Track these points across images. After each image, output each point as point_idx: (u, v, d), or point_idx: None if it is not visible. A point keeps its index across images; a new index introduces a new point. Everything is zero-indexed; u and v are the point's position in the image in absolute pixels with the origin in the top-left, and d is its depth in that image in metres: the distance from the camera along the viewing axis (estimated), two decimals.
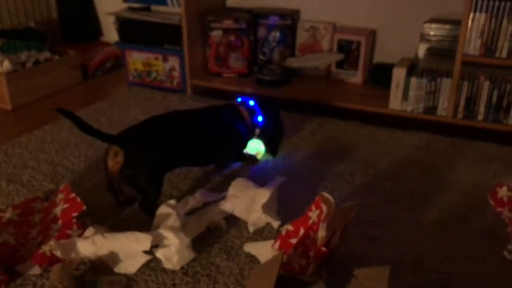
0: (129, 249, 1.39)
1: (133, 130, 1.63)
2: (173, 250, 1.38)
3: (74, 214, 1.52)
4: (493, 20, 2.01)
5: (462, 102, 2.17)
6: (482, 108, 2.14)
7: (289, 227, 1.34)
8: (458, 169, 1.93)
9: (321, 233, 1.23)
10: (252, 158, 1.96)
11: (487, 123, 2.16)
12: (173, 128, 1.69)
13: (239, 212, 1.56)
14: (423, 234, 1.55)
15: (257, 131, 1.88)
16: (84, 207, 1.53)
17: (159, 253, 1.39)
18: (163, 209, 1.53)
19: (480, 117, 2.16)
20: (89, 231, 1.48)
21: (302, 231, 1.30)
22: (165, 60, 2.77)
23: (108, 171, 1.59)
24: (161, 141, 1.62)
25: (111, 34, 3.21)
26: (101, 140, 1.58)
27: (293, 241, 1.31)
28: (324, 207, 1.27)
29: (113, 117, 2.44)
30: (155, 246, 1.42)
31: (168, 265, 1.39)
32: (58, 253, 1.35)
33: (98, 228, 1.49)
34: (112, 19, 2.88)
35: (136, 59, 2.84)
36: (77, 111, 2.48)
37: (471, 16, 2.03)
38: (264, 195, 1.52)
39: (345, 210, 1.32)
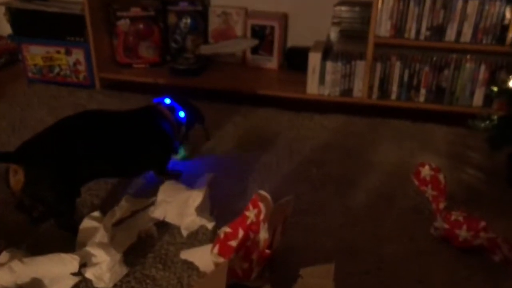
0: (54, 273, 1.27)
1: (33, 142, 1.42)
2: (104, 268, 1.28)
3: None
4: (401, 2, 2.08)
5: (376, 83, 2.24)
6: (395, 88, 2.23)
7: (227, 229, 1.29)
8: (377, 149, 1.99)
9: (263, 234, 1.20)
10: (175, 174, 1.79)
11: (400, 101, 2.26)
12: (82, 135, 1.48)
13: (171, 218, 1.48)
14: (353, 218, 1.59)
15: (183, 128, 1.76)
16: None
17: (89, 273, 1.29)
18: (87, 223, 1.41)
19: (394, 96, 2.25)
20: (4, 256, 1.33)
21: (241, 232, 1.27)
22: (68, 53, 2.56)
23: (11, 190, 1.41)
24: (66, 152, 1.42)
25: (3, 26, 2.89)
26: None
27: (233, 243, 1.27)
28: (262, 206, 1.24)
29: (15, 120, 2.22)
30: (83, 265, 1.31)
31: (99, 285, 1.29)
32: None
33: (14, 253, 1.34)
34: (2, 9, 2.59)
35: (35, 53, 2.59)
36: None
37: None
38: (196, 197, 1.46)
39: (281, 206, 1.30)
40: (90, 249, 1.30)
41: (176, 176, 1.75)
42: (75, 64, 2.57)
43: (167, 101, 1.76)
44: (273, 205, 1.26)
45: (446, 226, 1.45)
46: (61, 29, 2.51)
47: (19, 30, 2.58)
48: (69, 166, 1.41)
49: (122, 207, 1.48)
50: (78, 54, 2.55)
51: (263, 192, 1.27)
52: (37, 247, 1.42)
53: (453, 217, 1.44)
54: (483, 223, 1.40)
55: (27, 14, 2.52)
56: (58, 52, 2.57)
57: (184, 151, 1.88)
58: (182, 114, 1.76)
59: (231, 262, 1.20)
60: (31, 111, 2.30)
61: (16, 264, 1.26)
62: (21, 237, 1.47)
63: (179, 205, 1.47)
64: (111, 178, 1.72)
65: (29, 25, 2.55)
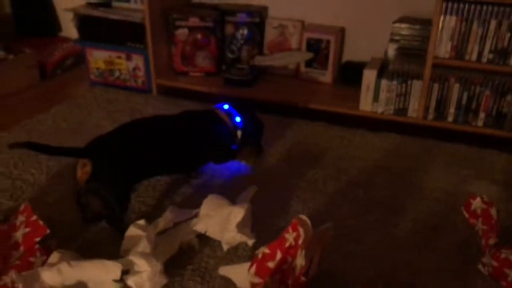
0: (98, 278, 1.31)
1: (102, 140, 1.56)
2: (145, 278, 1.32)
3: (37, 239, 1.42)
4: (463, 23, 2.00)
5: (433, 103, 2.17)
6: (452, 110, 2.15)
7: (265, 250, 1.29)
8: (429, 174, 1.93)
9: (300, 261, 1.20)
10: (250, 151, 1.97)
11: (456, 124, 2.17)
12: (145, 137, 1.62)
13: (212, 232, 1.50)
14: (397, 247, 1.54)
15: (239, 132, 1.87)
16: (48, 231, 1.44)
17: (130, 281, 1.33)
18: (132, 231, 1.46)
19: (450, 118, 2.17)
20: (54, 257, 1.40)
21: (279, 254, 1.26)
22: (128, 58, 2.65)
23: (76, 181, 1.52)
24: (131, 152, 1.55)
25: (70, 29, 3.04)
26: (70, 156, 1.52)
27: (270, 264, 1.27)
28: (301, 231, 1.23)
29: (74, 122, 2.32)
30: (125, 272, 1.35)
31: None
32: (20, 287, 1.27)
33: (64, 254, 1.40)
34: (70, 15, 2.72)
35: (98, 57, 2.71)
36: (36, 116, 2.36)
37: (441, 19, 2.01)
38: (238, 213, 1.47)
39: (321, 232, 1.28)
40: (132, 258, 1.34)
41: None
42: (134, 69, 2.67)
43: (226, 106, 1.88)
44: (313, 231, 1.25)
45: (495, 263, 1.38)
46: (122, 35, 2.62)
47: (85, 35, 2.71)
48: (131, 165, 1.54)
49: (166, 218, 1.51)
50: (137, 60, 2.64)
51: (303, 217, 1.26)
52: (86, 248, 1.49)
53: (503, 255, 1.37)
54: None
55: (93, 20, 2.64)
56: (119, 57, 2.67)
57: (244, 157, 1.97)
58: (238, 119, 1.86)
59: (266, 283, 1.20)
60: (89, 114, 2.40)
61: (64, 266, 1.32)
62: (72, 237, 1.55)
63: (221, 220, 1.49)
64: (165, 175, 1.85)
65: (93, 31, 2.67)
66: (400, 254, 1.51)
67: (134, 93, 2.63)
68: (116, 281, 1.32)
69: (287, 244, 1.26)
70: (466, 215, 1.52)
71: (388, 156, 2.06)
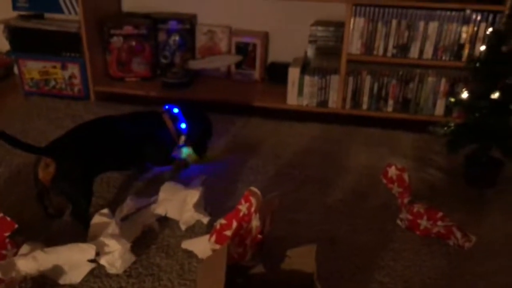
0: (73, 260, 1.44)
1: (61, 140, 1.68)
2: (116, 256, 1.47)
3: (6, 234, 1.52)
4: (370, 24, 2.34)
5: (349, 94, 2.48)
6: (366, 99, 2.48)
7: (223, 221, 1.49)
8: (351, 154, 2.23)
9: (255, 223, 1.41)
10: (182, 162, 2.07)
11: (370, 111, 2.51)
12: (98, 135, 1.77)
13: (171, 213, 1.68)
14: (332, 213, 1.81)
15: (182, 137, 1.98)
16: (16, 226, 1.53)
17: (103, 260, 1.47)
18: (97, 219, 1.60)
19: (365, 106, 2.50)
20: (24, 248, 1.50)
21: (235, 223, 1.47)
22: (63, 67, 2.73)
23: (39, 182, 1.62)
24: (89, 149, 1.69)
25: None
26: (32, 153, 1.61)
27: (228, 233, 1.47)
28: (253, 200, 1.45)
29: (17, 131, 2.35)
30: (97, 254, 1.49)
31: (112, 270, 1.48)
32: None
33: (34, 245, 1.51)
34: (1, 27, 2.75)
35: (32, 68, 2.76)
36: None
37: (352, 20, 2.33)
38: (194, 195, 1.66)
39: (270, 200, 1.51)
40: (103, 239, 1.48)
41: (183, 165, 2.05)
42: (70, 77, 2.75)
43: (175, 110, 1.99)
44: (263, 199, 1.47)
45: (410, 217, 1.68)
46: (57, 45, 2.69)
47: (17, 47, 2.74)
48: (91, 161, 1.66)
49: (128, 205, 1.67)
50: (73, 69, 2.73)
51: (253, 188, 1.48)
52: (52, 241, 1.58)
53: (415, 209, 1.67)
54: (440, 213, 1.63)
55: (25, 32, 2.69)
56: (54, 67, 2.74)
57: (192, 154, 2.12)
58: (183, 125, 1.98)
59: (228, 247, 1.40)
60: (31, 123, 2.46)
61: (38, 253, 1.43)
62: (36, 232, 1.65)
63: (179, 202, 1.67)
64: (118, 171, 1.97)
65: (27, 42, 2.72)
66: (333, 217, 1.78)
67: (72, 101, 2.71)
68: (90, 261, 1.45)
69: (241, 214, 1.47)
70: (384, 181, 1.81)
71: (316, 141, 2.34)
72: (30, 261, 1.42)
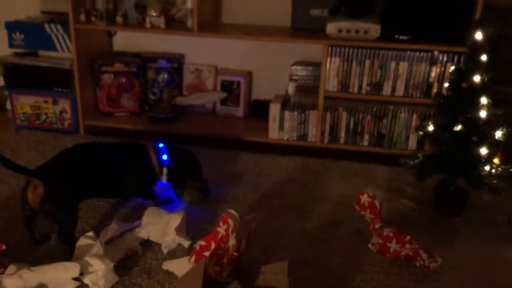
0: (58, 278, 1.51)
1: (50, 164, 1.78)
2: (100, 275, 1.54)
3: None
4: (346, 63, 2.50)
5: (327, 129, 2.62)
6: (342, 133, 2.62)
7: (202, 243, 1.58)
8: (328, 184, 2.34)
9: (232, 241, 1.50)
10: (165, 200, 2.10)
11: (347, 145, 2.64)
12: (84, 160, 1.87)
13: (154, 237, 1.76)
14: (307, 238, 1.90)
15: (165, 170, 2.04)
16: (4, 247, 1.61)
17: (87, 279, 1.54)
18: (83, 241, 1.67)
19: (342, 140, 2.64)
20: (11, 269, 1.57)
21: (213, 244, 1.56)
22: (55, 102, 2.85)
23: (27, 206, 1.70)
24: (76, 173, 1.79)
25: None
26: (23, 174, 1.72)
27: (207, 253, 1.55)
28: (230, 222, 1.54)
29: None
30: (81, 274, 1.56)
31: None
32: None
33: (20, 265, 1.58)
34: None
35: (24, 102, 2.88)
36: None
37: (328, 60, 2.50)
38: (176, 219, 1.75)
39: (247, 222, 1.60)
40: (88, 259, 1.56)
41: (166, 202, 2.08)
42: (61, 112, 2.87)
43: (160, 145, 2.07)
44: (240, 221, 1.56)
45: (380, 241, 1.78)
46: (50, 81, 2.82)
47: (11, 82, 2.87)
48: (77, 185, 1.75)
49: (112, 228, 1.75)
50: (64, 104, 2.85)
51: (231, 211, 1.58)
52: (38, 263, 1.65)
53: (385, 233, 1.78)
54: (408, 237, 1.74)
55: (20, 68, 2.83)
56: (46, 101, 2.86)
57: (186, 196, 2.12)
58: (165, 157, 2.05)
59: (206, 266, 1.49)
60: (20, 154, 2.56)
61: (24, 272, 1.50)
62: (22, 255, 1.72)
63: (161, 226, 1.76)
64: (104, 197, 2.04)
65: (20, 78, 2.85)
66: (310, 243, 1.87)
67: (62, 134, 2.81)
68: (74, 279, 1.52)
69: (220, 236, 1.56)
70: (357, 208, 1.92)
71: (295, 173, 2.45)
72: (16, 280, 1.49)
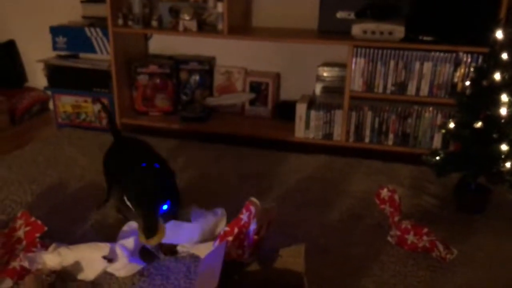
0: (90, 256, 1.63)
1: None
2: (120, 265, 1.64)
3: (37, 235, 1.74)
4: (371, 64, 2.57)
5: (352, 128, 2.68)
6: (367, 133, 2.68)
7: (226, 228, 1.68)
8: (351, 181, 2.40)
9: (253, 226, 1.59)
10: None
11: (372, 144, 2.69)
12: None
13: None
14: (328, 230, 1.97)
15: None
16: (46, 228, 1.75)
17: (109, 268, 1.64)
18: (124, 228, 1.79)
19: (367, 140, 2.69)
20: (52, 247, 1.71)
21: (236, 230, 1.65)
22: (94, 102, 3.03)
23: None
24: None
25: (36, 80, 3.40)
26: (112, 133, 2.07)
27: (230, 238, 1.65)
28: (252, 208, 1.64)
29: (49, 156, 2.64)
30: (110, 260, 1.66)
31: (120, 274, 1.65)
32: (26, 264, 1.58)
33: (60, 245, 1.72)
34: (41, 66, 3.09)
35: (66, 102, 3.07)
36: (12, 152, 2.65)
37: (353, 61, 2.57)
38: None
39: (268, 209, 1.69)
40: (116, 246, 1.67)
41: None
42: (99, 111, 3.04)
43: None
44: (262, 208, 1.66)
45: (398, 233, 1.83)
46: (88, 82, 3.00)
47: (54, 83, 3.07)
48: None
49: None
50: None
51: (253, 199, 1.67)
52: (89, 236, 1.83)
53: (403, 226, 1.83)
54: (426, 229, 1.78)
55: (62, 70, 3.02)
56: (86, 101, 3.04)
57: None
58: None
59: (229, 249, 1.58)
60: (62, 150, 2.73)
61: (62, 249, 1.64)
62: (63, 237, 1.86)
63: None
64: None
65: (62, 79, 3.04)
66: (330, 234, 1.94)
67: (100, 132, 2.98)
68: (104, 257, 1.64)
69: (242, 222, 1.66)
70: (377, 201, 1.97)
71: (319, 170, 2.52)
72: (55, 256, 1.63)
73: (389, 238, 1.89)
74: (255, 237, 1.61)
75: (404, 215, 1.91)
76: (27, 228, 1.76)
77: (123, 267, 1.66)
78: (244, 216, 1.66)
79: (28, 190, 2.25)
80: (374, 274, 1.71)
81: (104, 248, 1.64)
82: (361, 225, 2.01)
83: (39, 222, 1.76)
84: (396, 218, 1.89)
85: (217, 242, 1.68)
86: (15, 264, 1.62)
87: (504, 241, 1.92)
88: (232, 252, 1.59)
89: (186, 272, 1.69)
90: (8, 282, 1.59)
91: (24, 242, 1.73)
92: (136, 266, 1.69)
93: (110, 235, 1.84)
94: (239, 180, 2.40)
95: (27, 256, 1.61)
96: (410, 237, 1.80)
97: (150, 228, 1.56)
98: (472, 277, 1.69)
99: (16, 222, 1.81)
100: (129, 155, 1.93)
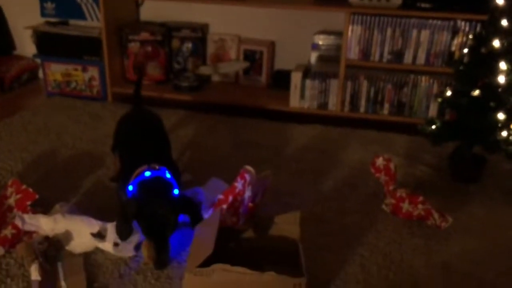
0: (81, 230, 1.61)
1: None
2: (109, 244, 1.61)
3: (28, 202, 1.71)
4: (367, 31, 2.52)
5: (348, 98, 2.65)
6: (363, 102, 2.65)
7: (220, 196, 1.66)
8: (347, 151, 2.38)
9: (248, 193, 1.58)
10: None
11: (367, 114, 2.67)
12: None
13: None
14: (322, 199, 1.96)
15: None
16: (37, 196, 1.72)
17: (100, 244, 1.61)
18: None
19: (362, 109, 2.66)
20: (55, 209, 1.72)
21: (230, 198, 1.64)
22: (84, 70, 2.96)
23: None
24: None
25: (24, 47, 3.31)
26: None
27: (224, 206, 1.64)
28: (247, 176, 1.62)
29: (40, 125, 2.59)
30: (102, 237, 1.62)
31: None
32: (19, 224, 1.56)
33: (63, 205, 1.72)
34: (29, 33, 3.00)
35: (55, 70, 3.00)
36: (1, 121, 2.60)
37: (350, 28, 2.52)
38: None
39: (263, 177, 1.68)
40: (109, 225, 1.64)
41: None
42: (90, 79, 2.98)
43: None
44: (256, 176, 1.63)
45: (393, 201, 1.83)
46: (79, 49, 2.93)
47: (43, 51, 2.99)
48: None
49: None
50: (93, 71, 2.95)
51: (248, 167, 1.65)
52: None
53: (398, 194, 1.82)
54: (421, 198, 1.77)
55: (51, 37, 2.94)
56: (76, 69, 2.98)
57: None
58: (130, 187, 1.63)
59: (224, 217, 1.57)
60: (52, 118, 2.68)
61: (59, 216, 1.62)
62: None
63: None
64: None
65: (52, 46, 2.96)
66: (325, 203, 1.93)
67: (91, 101, 2.92)
68: (93, 234, 1.61)
69: (237, 190, 1.64)
70: (372, 170, 1.96)
71: (314, 140, 2.50)
72: (50, 221, 1.62)
73: (384, 207, 1.88)
74: (250, 204, 1.59)
75: (399, 184, 1.90)
76: (18, 196, 1.73)
77: (116, 250, 1.62)
78: (238, 184, 1.65)
79: (19, 159, 2.21)
80: (369, 242, 1.70)
81: (94, 225, 1.62)
82: (356, 194, 2.00)
83: (30, 190, 1.73)
84: (391, 187, 1.88)
85: (211, 210, 1.66)
86: (7, 232, 1.60)
87: (498, 209, 1.92)
88: (227, 219, 1.58)
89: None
90: (0, 250, 1.57)
91: (15, 210, 1.71)
92: (129, 251, 1.66)
93: (101, 205, 1.82)
94: (234, 149, 2.38)
95: (23, 216, 1.59)
96: (405, 206, 1.79)
97: (162, 262, 1.52)
98: (467, 245, 1.70)
99: (7, 190, 1.77)
100: (141, 142, 1.81)
